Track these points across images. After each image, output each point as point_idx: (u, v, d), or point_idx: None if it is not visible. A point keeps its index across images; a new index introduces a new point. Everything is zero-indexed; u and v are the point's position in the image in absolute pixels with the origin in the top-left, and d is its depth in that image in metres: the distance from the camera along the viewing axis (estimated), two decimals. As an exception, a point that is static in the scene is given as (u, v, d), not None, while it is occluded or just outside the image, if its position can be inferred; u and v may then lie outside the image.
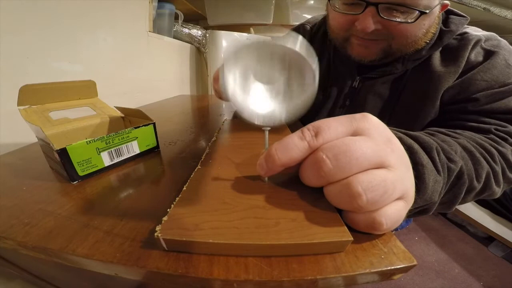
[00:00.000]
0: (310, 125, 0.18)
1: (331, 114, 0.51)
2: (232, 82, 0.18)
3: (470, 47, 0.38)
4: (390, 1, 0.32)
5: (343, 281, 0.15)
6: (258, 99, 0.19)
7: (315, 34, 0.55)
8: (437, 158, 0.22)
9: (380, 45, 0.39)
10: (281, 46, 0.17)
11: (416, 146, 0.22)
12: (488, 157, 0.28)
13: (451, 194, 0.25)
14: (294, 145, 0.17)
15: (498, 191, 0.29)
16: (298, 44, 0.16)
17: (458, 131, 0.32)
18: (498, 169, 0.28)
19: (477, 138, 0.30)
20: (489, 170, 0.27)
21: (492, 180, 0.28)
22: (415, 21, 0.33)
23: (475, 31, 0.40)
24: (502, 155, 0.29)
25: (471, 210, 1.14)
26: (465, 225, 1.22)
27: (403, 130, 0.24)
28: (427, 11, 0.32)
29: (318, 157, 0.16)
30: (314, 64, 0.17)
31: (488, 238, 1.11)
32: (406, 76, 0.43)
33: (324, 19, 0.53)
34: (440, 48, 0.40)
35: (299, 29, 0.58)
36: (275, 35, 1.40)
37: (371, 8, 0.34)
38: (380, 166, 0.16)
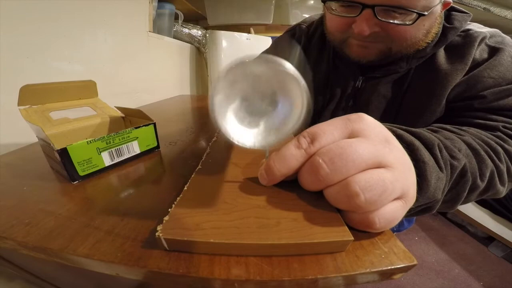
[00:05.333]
0: (305, 132, 0.18)
1: (334, 115, 0.51)
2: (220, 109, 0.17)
3: (476, 44, 0.37)
4: (386, 3, 0.32)
5: (343, 280, 0.15)
6: (242, 129, 0.18)
7: (312, 34, 0.54)
8: (439, 155, 0.22)
9: (380, 47, 0.38)
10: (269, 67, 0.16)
11: (417, 143, 0.21)
12: (493, 155, 0.27)
13: (454, 192, 0.25)
14: (292, 155, 0.18)
15: (502, 190, 0.29)
16: (288, 63, 0.15)
17: (463, 128, 0.31)
18: (503, 167, 0.28)
19: (482, 136, 0.30)
20: (493, 169, 0.27)
21: (496, 178, 0.27)
22: (413, 23, 0.33)
23: (478, 28, 0.39)
24: (508, 153, 0.29)
25: (471, 210, 1.14)
26: (465, 225, 1.22)
27: (404, 127, 0.24)
28: (426, 13, 0.32)
29: (315, 162, 0.16)
30: (304, 88, 0.16)
31: (488, 238, 1.11)
32: (410, 74, 0.42)
33: (322, 19, 0.52)
34: (444, 46, 0.39)
35: (295, 29, 0.57)
36: (275, 34, 1.40)
37: (368, 11, 0.33)
38: (378, 166, 0.16)
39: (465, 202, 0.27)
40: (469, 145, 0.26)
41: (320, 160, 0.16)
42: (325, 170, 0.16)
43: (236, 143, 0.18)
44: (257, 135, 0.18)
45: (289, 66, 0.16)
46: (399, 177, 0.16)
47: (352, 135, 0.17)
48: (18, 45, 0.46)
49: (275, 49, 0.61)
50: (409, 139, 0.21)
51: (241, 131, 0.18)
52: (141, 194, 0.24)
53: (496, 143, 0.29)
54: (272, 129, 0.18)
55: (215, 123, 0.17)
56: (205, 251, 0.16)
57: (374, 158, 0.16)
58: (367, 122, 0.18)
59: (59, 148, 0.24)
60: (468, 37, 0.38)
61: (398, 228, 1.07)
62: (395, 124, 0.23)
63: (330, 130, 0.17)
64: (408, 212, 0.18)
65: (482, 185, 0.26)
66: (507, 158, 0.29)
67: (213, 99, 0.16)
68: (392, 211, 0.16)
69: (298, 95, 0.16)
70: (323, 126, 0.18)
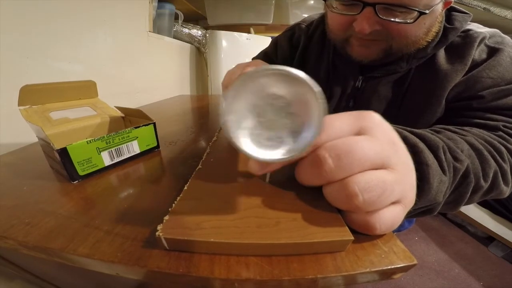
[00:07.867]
0: None
1: None
2: (235, 126, 0.15)
3: (476, 44, 0.37)
4: (388, 1, 0.31)
5: (343, 280, 0.15)
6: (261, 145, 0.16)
7: (312, 34, 0.54)
8: (443, 157, 0.22)
9: (381, 45, 0.38)
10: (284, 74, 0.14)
11: (421, 145, 0.21)
12: (496, 155, 0.27)
13: (457, 194, 0.24)
14: None
15: (506, 190, 0.28)
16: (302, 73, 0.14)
17: (466, 128, 0.31)
18: (507, 167, 0.27)
19: (485, 136, 0.30)
20: (497, 169, 0.26)
21: (500, 179, 0.27)
22: (414, 21, 0.33)
23: (478, 28, 0.39)
24: (511, 153, 0.29)
25: (471, 210, 1.14)
26: (465, 225, 1.22)
27: (408, 128, 0.24)
28: (427, 11, 0.31)
29: (320, 156, 0.16)
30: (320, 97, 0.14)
31: (488, 238, 1.11)
32: (410, 74, 0.42)
33: (322, 18, 0.52)
34: (445, 46, 0.39)
35: (294, 28, 0.57)
36: (275, 34, 1.40)
37: (369, 9, 0.33)
38: (381, 167, 0.16)
39: (468, 203, 0.27)
40: (471, 145, 0.26)
41: (327, 155, 0.16)
42: (330, 165, 0.16)
43: (262, 159, 0.16)
44: (278, 150, 0.16)
45: (306, 78, 0.14)
46: (400, 180, 0.16)
47: (359, 132, 0.17)
48: (18, 45, 0.46)
49: (275, 49, 0.61)
50: (413, 141, 0.21)
51: (260, 149, 0.16)
52: (141, 193, 0.24)
53: (499, 142, 0.29)
54: (292, 141, 0.16)
55: (235, 145, 0.15)
56: (205, 251, 0.16)
57: (379, 159, 0.16)
58: (376, 121, 0.17)
59: (59, 148, 0.24)
60: (468, 38, 0.38)
61: (398, 228, 1.06)
62: (399, 126, 0.23)
63: (339, 124, 0.17)
64: (407, 214, 0.18)
65: (485, 185, 0.26)
66: (510, 158, 0.28)
67: (226, 122, 0.15)
68: (393, 216, 0.16)
69: (315, 106, 0.15)
70: (332, 118, 0.17)
